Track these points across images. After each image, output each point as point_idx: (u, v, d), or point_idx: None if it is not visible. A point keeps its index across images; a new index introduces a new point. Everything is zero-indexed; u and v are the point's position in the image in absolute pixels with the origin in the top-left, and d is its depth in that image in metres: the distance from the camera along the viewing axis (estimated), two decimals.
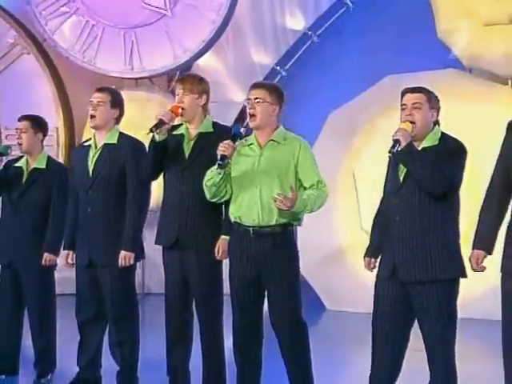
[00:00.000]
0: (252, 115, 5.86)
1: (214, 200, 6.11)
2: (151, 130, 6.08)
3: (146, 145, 6.75)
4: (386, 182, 5.78)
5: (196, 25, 11.11)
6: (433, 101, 5.62)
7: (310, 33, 12.08)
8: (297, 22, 12.41)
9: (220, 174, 5.94)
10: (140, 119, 10.47)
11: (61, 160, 11.14)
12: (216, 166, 5.82)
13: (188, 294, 6.37)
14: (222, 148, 5.70)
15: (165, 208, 6.42)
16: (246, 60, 11.94)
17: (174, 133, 6.28)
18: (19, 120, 7.29)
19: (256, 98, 5.84)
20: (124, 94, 10.27)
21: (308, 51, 12.49)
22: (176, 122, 6.50)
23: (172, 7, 11.15)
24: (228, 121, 11.74)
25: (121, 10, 11.32)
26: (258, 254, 5.95)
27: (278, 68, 12.16)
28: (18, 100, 10.82)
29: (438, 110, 5.60)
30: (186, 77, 6.61)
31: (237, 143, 5.84)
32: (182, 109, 6.12)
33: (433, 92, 5.72)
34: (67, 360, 7.12)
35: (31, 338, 7.16)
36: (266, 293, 6.13)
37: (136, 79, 11.37)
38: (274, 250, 5.92)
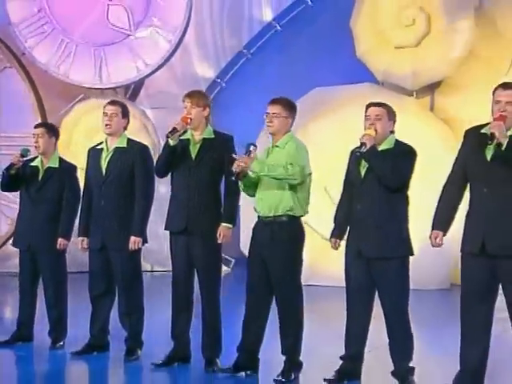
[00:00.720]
0: (270, 127, 6.77)
1: (249, 195, 6.93)
2: (167, 136, 6.80)
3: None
4: (346, 177, 6.70)
5: (156, 44, 11.63)
6: (391, 114, 6.54)
7: (245, 51, 12.88)
8: (234, 42, 12.88)
9: (240, 184, 6.77)
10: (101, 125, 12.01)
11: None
12: (233, 179, 6.65)
13: (192, 273, 7.02)
14: (235, 165, 6.47)
15: (174, 200, 7.02)
16: (192, 73, 12.67)
17: (181, 138, 6.88)
18: (35, 127, 7.85)
19: (274, 113, 6.73)
20: (92, 101, 11.24)
21: (244, 66, 13.31)
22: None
23: (135, 29, 11.46)
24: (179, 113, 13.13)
25: (91, 30, 11.69)
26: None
27: (219, 80, 12.92)
28: (3, 107, 11.02)
29: (394, 121, 6.56)
30: (192, 93, 7.09)
31: (252, 154, 6.57)
32: (190, 119, 6.81)
33: (391, 107, 6.68)
34: (77, 329, 7.80)
35: (46, 310, 7.75)
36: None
37: (103, 89, 11.63)
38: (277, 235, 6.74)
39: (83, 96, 11.44)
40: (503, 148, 5.70)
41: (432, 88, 11.82)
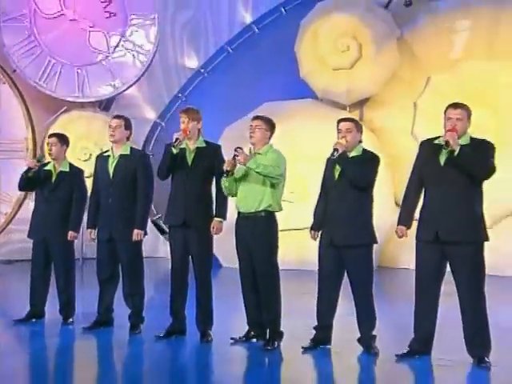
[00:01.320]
0: (251, 137, 6.96)
1: (229, 196, 7.13)
2: (173, 146, 6.97)
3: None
4: (323, 180, 6.93)
5: (131, 64, 11.63)
6: (359, 127, 6.83)
7: (202, 70, 12.86)
8: (192, 62, 12.89)
9: (225, 181, 6.93)
10: (87, 131, 11.53)
11: (28, 157, 11.23)
12: (224, 176, 6.85)
13: (187, 260, 7.23)
14: (226, 164, 6.75)
15: (173, 199, 7.18)
16: (157, 89, 12.64)
17: (176, 148, 6.98)
18: (49, 136, 8.03)
19: (256, 126, 6.94)
20: (73, 113, 11.50)
21: (201, 83, 13.07)
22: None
23: (113, 51, 11.49)
24: (144, 132, 12.74)
25: (75, 52, 11.58)
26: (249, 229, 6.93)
27: (180, 95, 12.85)
28: None
29: (361, 133, 6.83)
30: (189, 109, 7.30)
31: (238, 158, 6.67)
32: (189, 131, 7.02)
33: (359, 121, 7.20)
34: (85, 308, 8.03)
35: (57, 292, 7.85)
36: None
37: (84, 103, 11.67)
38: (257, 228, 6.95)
39: (66, 108, 11.39)
40: (455, 154, 6.08)
41: (362, 103, 11.98)
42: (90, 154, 11.12)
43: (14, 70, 10.95)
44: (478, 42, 11.66)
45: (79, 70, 11.34)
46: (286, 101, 11.58)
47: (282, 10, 12.87)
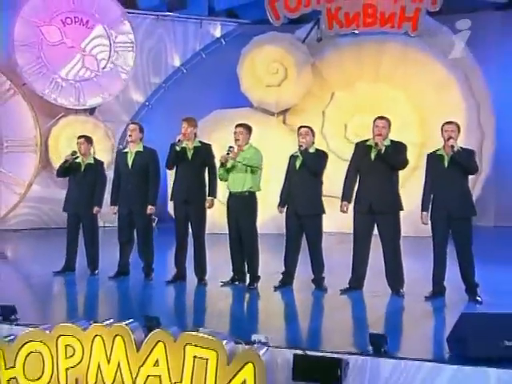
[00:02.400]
0: (237, 140, 7.10)
1: (222, 181, 7.33)
2: (176, 145, 7.21)
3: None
4: (287, 171, 7.13)
5: (115, 80, 11.64)
6: (313, 132, 7.07)
7: (163, 84, 12.82)
8: (156, 79, 12.83)
9: (219, 170, 7.15)
10: (81, 131, 10.77)
11: (38, 152, 11.12)
12: (220, 166, 7.10)
13: (187, 226, 7.42)
14: (221, 158, 7.04)
15: (177, 184, 7.36)
16: (129, 98, 12.48)
17: (179, 146, 7.18)
18: (79, 138, 8.15)
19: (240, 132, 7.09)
20: (70, 117, 11.60)
21: (163, 95, 12.87)
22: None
23: (102, 69, 11.46)
24: (120, 131, 12.40)
25: (72, 71, 11.35)
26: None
27: (147, 103, 12.82)
28: (13, 121, 10.89)
29: (314, 135, 7.10)
30: (188, 118, 7.44)
31: (229, 155, 6.97)
32: (188, 134, 7.19)
33: (312, 128, 7.21)
34: (106, 264, 8.05)
35: (85, 251, 8.01)
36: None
37: (78, 110, 11.58)
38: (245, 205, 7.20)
39: (64, 114, 11.33)
40: (382, 152, 6.56)
41: (285, 111, 12.03)
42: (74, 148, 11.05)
43: (24, 84, 10.82)
44: (367, 68, 11.81)
45: (76, 84, 11.36)
46: (230, 109, 11.63)
47: (222, 40, 12.93)
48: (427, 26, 11.34)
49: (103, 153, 11.11)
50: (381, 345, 4.68)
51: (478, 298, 6.34)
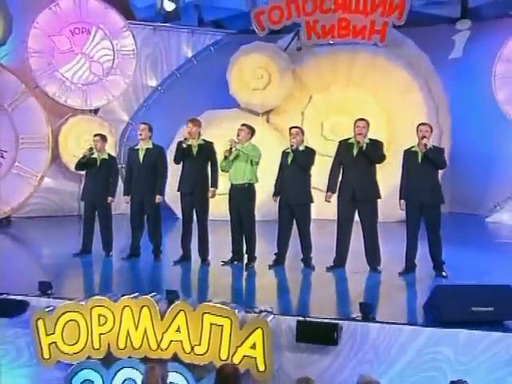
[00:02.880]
0: (238, 135, 7.19)
1: (225, 172, 7.38)
2: (182, 142, 7.31)
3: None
4: (280, 166, 7.24)
5: (118, 84, 11.40)
6: (303, 131, 7.23)
7: (159, 88, 12.53)
8: (153, 82, 12.54)
9: (222, 163, 7.21)
10: (87, 129, 10.94)
11: (49, 148, 10.88)
12: (223, 159, 7.16)
13: (192, 213, 7.53)
14: (224, 152, 7.10)
15: (184, 177, 7.42)
16: (129, 99, 12.23)
17: (185, 143, 7.29)
18: (95, 136, 8.18)
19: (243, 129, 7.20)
20: (78, 117, 11.37)
21: (159, 97, 12.62)
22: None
23: (106, 74, 11.25)
24: (120, 129, 12.13)
25: (80, 75, 11.19)
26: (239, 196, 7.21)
27: (145, 104, 12.45)
28: (27, 120, 10.64)
29: (303, 134, 7.19)
30: (193, 119, 7.57)
31: (232, 149, 7.04)
32: (193, 133, 7.31)
33: (302, 128, 7.38)
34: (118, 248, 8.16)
35: (101, 235, 8.03)
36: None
37: (84, 110, 11.40)
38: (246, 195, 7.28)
39: (72, 113, 11.22)
40: (363, 149, 6.78)
41: (269, 112, 11.93)
42: (90, 144, 10.91)
43: (36, 86, 10.73)
44: (339, 73, 11.72)
45: (83, 88, 11.34)
46: (220, 109, 11.53)
47: (211, 48, 12.68)
48: (393, 37, 11.35)
49: (107, 148, 10.79)
50: (369, 312, 5.03)
51: (443, 274, 6.65)
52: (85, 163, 8.00)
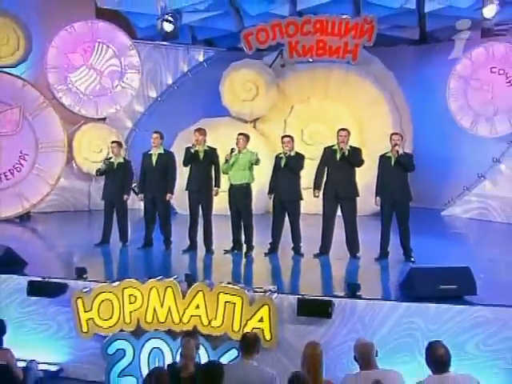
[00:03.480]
0: (237, 143, 7.36)
1: (225, 174, 7.48)
2: (190, 148, 7.47)
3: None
4: (274, 167, 7.33)
5: (125, 95, 11.42)
6: (293, 139, 7.28)
7: (159, 98, 12.47)
8: (153, 93, 12.51)
9: (223, 165, 7.38)
10: (98, 135, 11.27)
11: (65, 151, 10.74)
12: (225, 162, 7.34)
13: (199, 208, 7.67)
14: (226, 156, 7.31)
15: (191, 178, 7.58)
16: (132, 108, 12.21)
17: (193, 149, 7.47)
18: (112, 142, 8.35)
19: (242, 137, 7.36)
20: (90, 124, 11.33)
21: (157, 107, 12.51)
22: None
23: (115, 87, 11.28)
24: (124, 135, 11.95)
25: (92, 89, 11.17)
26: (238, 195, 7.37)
27: (146, 113, 12.38)
28: (46, 127, 10.60)
29: (293, 142, 7.27)
30: (200, 128, 7.68)
31: (232, 154, 7.22)
32: (200, 141, 7.50)
33: (293, 137, 7.39)
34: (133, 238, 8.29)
35: (118, 228, 8.15)
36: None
37: (96, 119, 11.34)
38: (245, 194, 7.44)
39: (84, 121, 11.22)
40: (346, 154, 7.04)
41: (256, 120, 11.84)
42: (101, 148, 10.99)
43: (53, 98, 10.76)
44: (317, 87, 11.66)
45: (94, 99, 11.34)
46: (214, 118, 11.40)
47: (204, 64, 12.66)
48: (363, 56, 11.35)
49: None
50: (355, 290, 5.41)
51: (412, 259, 7.00)
52: (104, 171, 8.14)
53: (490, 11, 9.77)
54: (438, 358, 3.78)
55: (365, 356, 3.95)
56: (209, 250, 7.69)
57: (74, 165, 11.40)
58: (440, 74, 11.26)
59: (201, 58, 12.84)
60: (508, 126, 10.51)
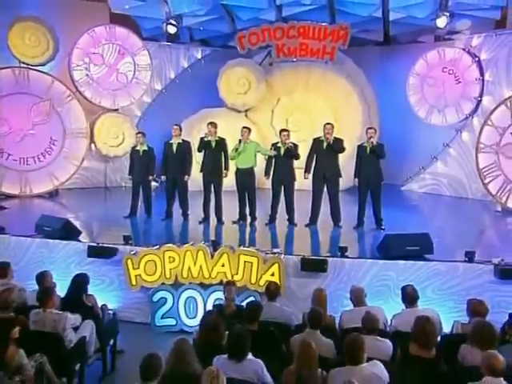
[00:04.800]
0: (242, 135, 7.68)
1: (233, 160, 7.86)
2: (203, 138, 7.79)
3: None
4: (275, 155, 7.56)
5: (138, 89, 11.74)
6: (289, 133, 7.62)
7: (163, 91, 12.68)
8: (158, 86, 12.62)
9: (232, 152, 7.77)
10: (115, 122, 11.63)
11: (87, 137, 11.06)
12: (234, 150, 7.68)
13: (211, 187, 8.08)
14: (235, 146, 7.74)
15: (205, 163, 7.99)
16: (141, 99, 12.19)
17: (206, 139, 7.84)
18: (137, 133, 8.66)
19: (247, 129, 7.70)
20: (108, 114, 11.54)
21: (162, 97, 12.69)
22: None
23: (129, 82, 11.61)
24: (134, 122, 12.13)
25: (110, 84, 11.51)
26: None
27: (152, 103, 12.49)
28: (71, 117, 10.97)
29: (289, 134, 7.52)
30: (212, 122, 7.96)
31: (241, 145, 7.67)
32: (212, 132, 7.85)
33: (290, 131, 7.73)
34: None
35: (144, 203, 8.56)
36: None
37: (113, 109, 11.63)
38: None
39: (103, 111, 11.56)
40: (331, 144, 7.47)
41: (248, 110, 12.05)
42: (117, 135, 11.57)
43: (77, 91, 11.13)
44: (300, 82, 11.92)
45: (112, 92, 11.59)
46: (212, 108, 11.68)
47: (202, 60, 12.85)
48: (338, 57, 11.62)
49: (129, 138, 11.47)
50: (344, 251, 6.28)
51: (382, 227, 7.72)
52: (132, 159, 8.61)
53: (442, 22, 10.51)
54: (409, 295, 4.72)
55: (358, 296, 4.91)
56: (220, 221, 8.16)
57: (94, 148, 11.82)
58: (402, 72, 11.57)
59: (199, 56, 13.02)
60: (456, 117, 10.95)
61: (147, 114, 12.70)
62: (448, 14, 10.43)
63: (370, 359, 3.59)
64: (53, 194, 10.96)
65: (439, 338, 4.27)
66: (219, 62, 12.20)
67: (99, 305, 5.34)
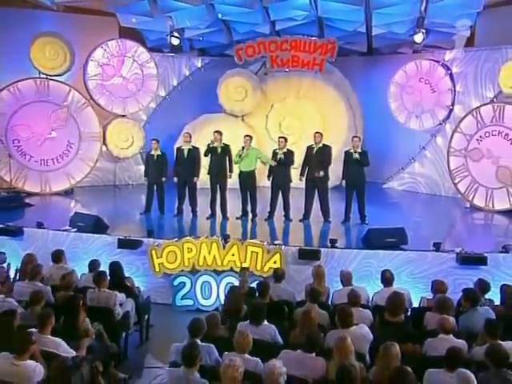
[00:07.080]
0: (245, 142, 7.98)
1: (237, 164, 8.26)
2: (210, 144, 8.16)
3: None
4: (272, 159, 8.08)
5: (145, 97, 12.38)
6: (286, 140, 8.09)
7: (167, 97, 13.30)
8: (162, 93, 13.18)
9: (236, 157, 8.14)
10: (125, 127, 12.26)
11: (100, 140, 11.55)
12: (237, 156, 8.03)
13: (217, 187, 8.50)
14: (238, 152, 8.12)
15: (212, 166, 8.43)
16: (146, 105, 12.68)
17: (212, 145, 8.24)
18: (152, 139, 9.06)
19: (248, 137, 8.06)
20: (118, 119, 12.16)
21: (165, 104, 13.29)
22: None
23: (138, 91, 12.21)
24: (140, 126, 12.51)
25: (121, 92, 11.99)
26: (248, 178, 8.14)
27: (157, 108, 13.09)
28: (86, 122, 11.56)
29: (286, 141, 8.02)
30: (218, 131, 8.35)
31: (244, 151, 8.06)
32: (217, 140, 8.23)
33: (287, 138, 8.12)
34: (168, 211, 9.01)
35: (157, 202, 8.99)
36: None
37: (123, 115, 12.17)
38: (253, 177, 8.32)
39: (114, 117, 12.14)
40: (320, 149, 7.99)
41: (245, 115, 12.56)
42: (127, 138, 12.15)
43: (91, 98, 11.68)
44: (292, 90, 12.47)
45: (122, 100, 12.13)
46: (212, 113, 12.19)
47: (202, 69, 13.39)
48: (327, 68, 12.18)
49: (137, 141, 12.24)
50: (334, 243, 7.06)
51: (366, 222, 8.40)
52: (148, 163, 9.12)
53: (418, 38, 11.36)
54: (386, 278, 5.65)
55: (346, 278, 5.83)
56: (225, 217, 8.75)
57: (105, 150, 12.45)
58: (383, 81, 12.14)
59: (199, 64, 13.64)
60: (431, 122, 11.56)
61: (152, 118, 13.32)
62: (424, 30, 11.32)
63: (356, 325, 4.48)
64: (68, 192, 11.56)
65: (410, 310, 5.20)
66: (217, 69, 12.74)
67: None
